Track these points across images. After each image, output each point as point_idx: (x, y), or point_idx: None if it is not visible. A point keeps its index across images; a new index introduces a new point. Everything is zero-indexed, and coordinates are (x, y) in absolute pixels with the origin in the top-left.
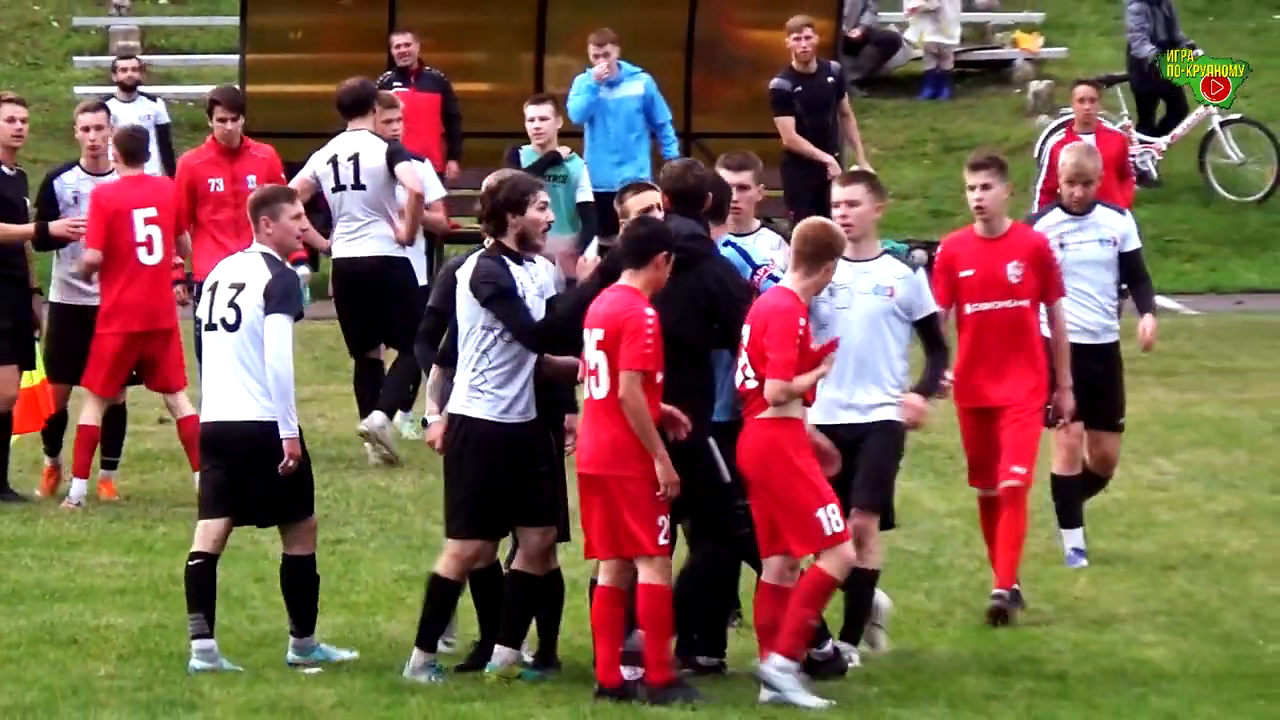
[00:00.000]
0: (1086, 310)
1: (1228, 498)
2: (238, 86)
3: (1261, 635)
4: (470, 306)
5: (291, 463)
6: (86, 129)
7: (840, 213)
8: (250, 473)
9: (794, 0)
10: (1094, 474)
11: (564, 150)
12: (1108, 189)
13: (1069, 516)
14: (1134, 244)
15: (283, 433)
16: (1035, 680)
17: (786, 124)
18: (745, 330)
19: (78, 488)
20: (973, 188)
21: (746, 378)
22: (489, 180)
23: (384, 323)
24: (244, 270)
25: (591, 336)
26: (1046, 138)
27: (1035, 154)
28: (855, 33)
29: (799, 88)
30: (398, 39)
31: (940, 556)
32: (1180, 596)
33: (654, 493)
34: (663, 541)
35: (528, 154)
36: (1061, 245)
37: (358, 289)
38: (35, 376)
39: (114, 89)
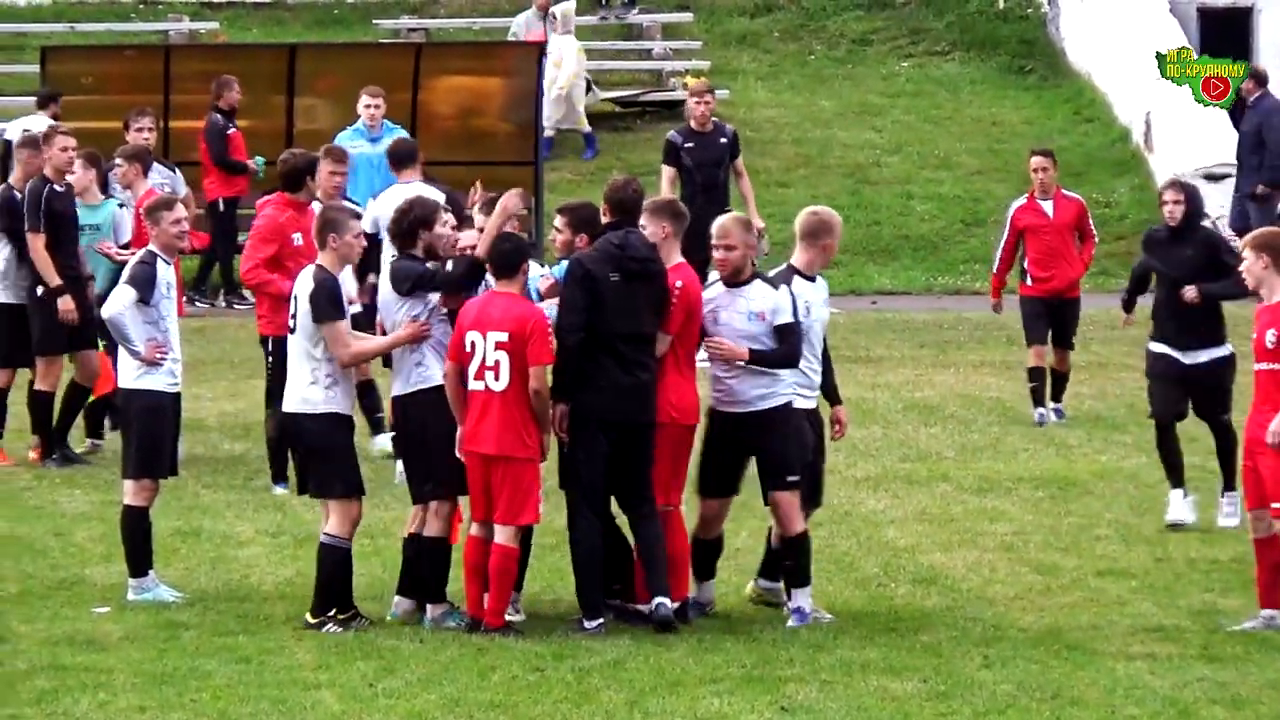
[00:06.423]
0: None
1: (865, 465)
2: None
3: (892, 579)
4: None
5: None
6: None
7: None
8: None
9: (496, 54)
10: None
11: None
12: (1069, 250)
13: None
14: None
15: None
16: (701, 616)
17: (666, 173)
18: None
19: None
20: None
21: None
22: (401, 204)
23: None
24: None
25: (491, 338)
26: (1011, 203)
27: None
28: None
29: (690, 144)
30: None
31: None
32: (825, 548)
33: (538, 473)
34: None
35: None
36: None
37: None
38: None
39: None
